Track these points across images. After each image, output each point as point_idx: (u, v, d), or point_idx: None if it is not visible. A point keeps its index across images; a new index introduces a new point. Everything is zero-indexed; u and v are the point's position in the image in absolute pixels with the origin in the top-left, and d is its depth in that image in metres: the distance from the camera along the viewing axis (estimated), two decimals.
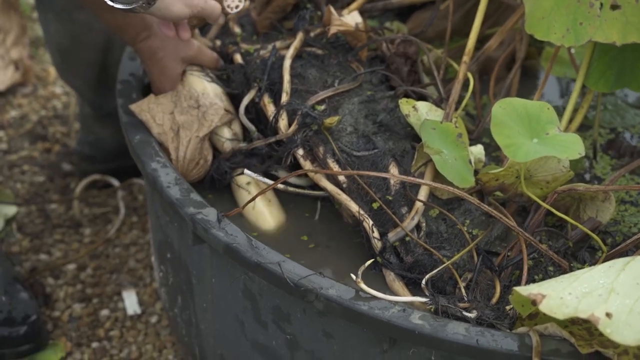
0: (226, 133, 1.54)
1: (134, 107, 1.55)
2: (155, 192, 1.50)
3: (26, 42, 2.64)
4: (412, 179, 1.33)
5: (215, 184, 1.54)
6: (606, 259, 1.30)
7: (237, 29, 1.67)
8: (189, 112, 1.53)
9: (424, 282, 1.30)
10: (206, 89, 1.55)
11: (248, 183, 1.51)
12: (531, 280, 1.32)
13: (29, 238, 2.13)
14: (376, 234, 1.37)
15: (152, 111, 1.54)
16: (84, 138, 2.24)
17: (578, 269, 1.34)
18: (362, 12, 1.72)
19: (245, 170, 1.40)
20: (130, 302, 1.98)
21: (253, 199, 1.37)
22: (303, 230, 1.48)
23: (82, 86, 2.11)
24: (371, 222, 1.38)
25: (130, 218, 2.18)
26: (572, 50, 1.75)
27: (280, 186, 1.46)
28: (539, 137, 1.28)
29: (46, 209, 2.20)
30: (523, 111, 1.29)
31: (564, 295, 1.10)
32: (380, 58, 1.63)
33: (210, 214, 1.39)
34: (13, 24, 2.62)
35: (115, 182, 2.20)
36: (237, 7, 1.54)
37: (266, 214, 1.49)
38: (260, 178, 1.40)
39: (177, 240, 1.56)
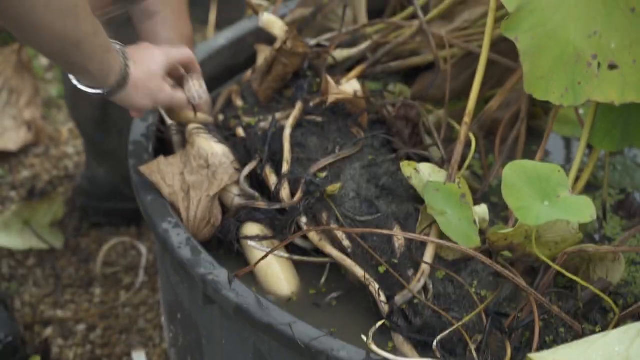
0: (235, 190, 1.55)
1: (144, 168, 1.57)
2: (166, 252, 1.50)
3: (39, 103, 2.68)
4: (420, 236, 1.34)
5: (222, 243, 1.55)
6: (619, 321, 1.30)
7: (239, 102, 1.69)
8: (199, 172, 1.54)
9: (435, 343, 1.29)
10: (214, 148, 1.56)
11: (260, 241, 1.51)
12: (542, 342, 1.31)
13: (39, 297, 2.13)
14: (383, 298, 1.37)
15: (162, 172, 1.55)
16: (84, 172, 2.32)
17: (590, 330, 1.33)
18: (365, 75, 1.73)
19: (250, 242, 1.41)
20: None
21: (264, 257, 1.37)
22: (309, 294, 1.48)
23: (84, 124, 2.20)
24: (377, 286, 1.38)
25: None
26: (581, 111, 1.76)
27: (285, 255, 1.47)
28: (549, 199, 1.28)
29: (56, 268, 2.21)
30: (533, 173, 1.30)
31: None
32: (381, 121, 1.64)
33: (221, 274, 1.39)
34: (26, 85, 2.65)
35: (143, 249, 2.22)
36: (200, 97, 1.60)
37: (282, 279, 1.48)
38: (264, 248, 1.40)
39: (188, 301, 1.56)
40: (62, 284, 2.17)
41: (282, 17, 1.86)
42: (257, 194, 1.53)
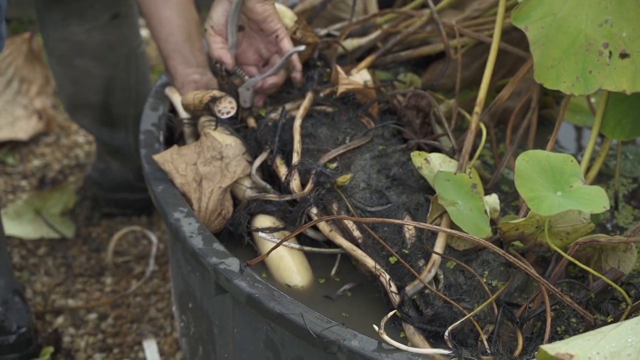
0: (247, 182, 1.55)
1: (157, 157, 1.57)
2: (177, 241, 1.50)
3: (50, 92, 2.68)
4: (430, 226, 1.33)
5: (233, 235, 1.55)
6: (631, 312, 1.30)
7: None
8: (212, 163, 1.54)
9: (446, 333, 1.29)
10: (227, 140, 1.56)
11: (271, 233, 1.51)
12: (554, 332, 1.31)
13: (50, 286, 2.14)
14: (394, 288, 1.37)
15: (175, 162, 1.55)
16: (96, 164, 2.33)
17: (602, 320, 1.33)
18: (376, 65, 1.73)
19: (260, 233, 1.41)
20: (151, 352, 1.97)
21: (276, 247, 1.37)
22: (321, 285, 1.48)
23: (88, 125, 2.21)
24: (388, 277, 1.38)
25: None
26: (592, 100, 1.75)
27: (296, 246, 1.47)
28: (562, 190, 1.28)
29: (67, 257, 2.21)
30: (546, 164, 1.29)
31: (592, 355, 1.09)
32: (391, 111, 1.64)
33: (232, 263, 1.39)
34: (37, 74, 2.66)
35: (154, 238, 2.22)
36: (228, 112, 1.58)
37: (294, 271, 1.48)
38: (275, 239, 1.40)
39: (199, 290, 1.56)
40: (73, 273, 2.17)
41: (292, 7, 1.86)
42: (268, 186, 1.53)
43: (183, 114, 1.67)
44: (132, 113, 2.14)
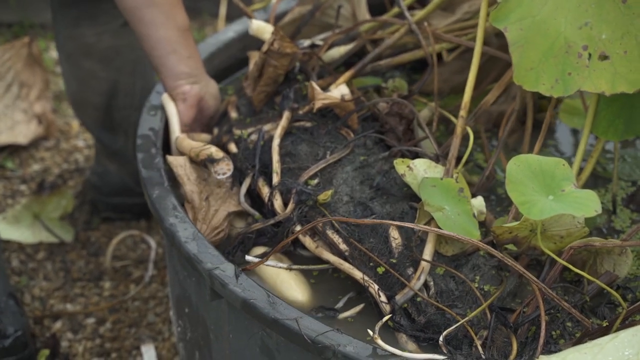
0: (238, 224, 1.56)
1: (171, 159, 1.58)
2: (173, 247, 1.50)
3: (49, 96, 2.68)
4: (419, 225, 1.32)
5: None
6: (627, 316, 1.29)
7: (233, 114, 1.68)
8: (221, 186, 1.55)
9: (441, 339, 1.29)
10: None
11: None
12: (548, 336, 1.31)
13: (49, 291, 2.14)
14: (383, 298, 1.36)
15: (188, 170, 1.56)
16: (95, 168, 2.34)
17: (598, 325, 1.33)
18: (365, 73, 1.72)
19: (247, 256, 1.40)
20: (149, 356, 1.98)
21: (257, 264, 1.37)
22: (320, 297, 1.47)
23: (90, 125, 2.22)
24: (377, 287, 1.37)
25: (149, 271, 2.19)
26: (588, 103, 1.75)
27: (284, 265, 1.46)
28: (554, 194, 1.27)
29: (66, 261, 2.21)
30: (537, 168, 1.29)
31: None
32: (374, 117, 1.63)
33: (227, 269, 1.39)
34: (37, 78, 2.66)
35: (152, 242, 2.22)
36: (224, 173, 1.56)
37: (294, 288, 1.47)
38: (257, 259, 1.40)
39: (195, 295, 1.56)
40: (71, 278, 2.17)
41: (283, 15, 1.85)
42: (257, 214, 1.53)
43: (175, 126, 1.67)
44: (133, 119, 2.15)
